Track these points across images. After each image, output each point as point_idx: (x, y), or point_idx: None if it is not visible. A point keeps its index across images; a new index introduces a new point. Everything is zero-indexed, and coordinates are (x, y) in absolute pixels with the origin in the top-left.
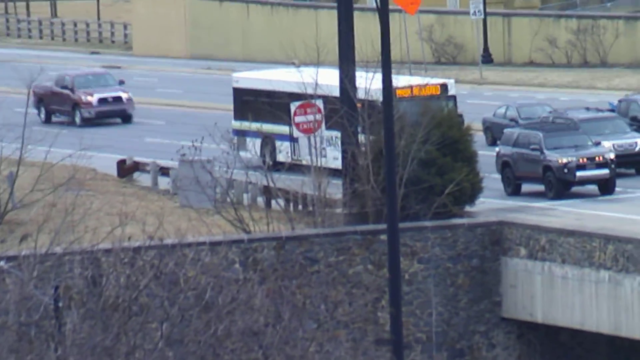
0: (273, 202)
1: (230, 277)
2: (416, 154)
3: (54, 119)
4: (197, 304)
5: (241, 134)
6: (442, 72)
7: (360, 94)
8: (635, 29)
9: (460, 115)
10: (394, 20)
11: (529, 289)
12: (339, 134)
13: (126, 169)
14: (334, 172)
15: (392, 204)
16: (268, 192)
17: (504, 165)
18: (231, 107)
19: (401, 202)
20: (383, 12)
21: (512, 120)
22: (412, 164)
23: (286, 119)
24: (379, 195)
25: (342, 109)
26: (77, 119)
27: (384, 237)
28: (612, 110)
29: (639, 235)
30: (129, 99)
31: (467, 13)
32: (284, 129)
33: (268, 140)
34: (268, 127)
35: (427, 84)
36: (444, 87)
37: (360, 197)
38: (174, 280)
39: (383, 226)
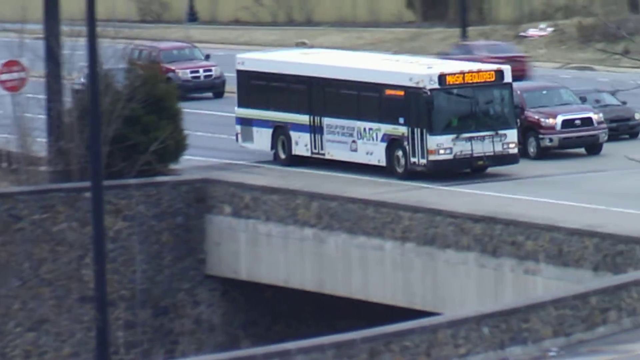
0: None
1: None
2: (121, 112)
3: None
4: None
5: (246, 123)
6: (148, 30)
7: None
8: None
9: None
10: None
11: (233, 246)
12: (373, 125)
13: None
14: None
15: (96, 161)
16: None
17: None
18: None
19: (106, 159)
20: None
21: None
22: (116, 122)
23: (304, 107)
24: (83, 153)
25: (48, 67)
26: None
27: (88, 194)
28: None
29: (343, 193)
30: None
31: None
32: (301, 118)
33: (281, 131)
34: (281, 116)
35: (480, 70)
36: (500, 73)
37: (65, 154)
38: None
39: (87, 184)
